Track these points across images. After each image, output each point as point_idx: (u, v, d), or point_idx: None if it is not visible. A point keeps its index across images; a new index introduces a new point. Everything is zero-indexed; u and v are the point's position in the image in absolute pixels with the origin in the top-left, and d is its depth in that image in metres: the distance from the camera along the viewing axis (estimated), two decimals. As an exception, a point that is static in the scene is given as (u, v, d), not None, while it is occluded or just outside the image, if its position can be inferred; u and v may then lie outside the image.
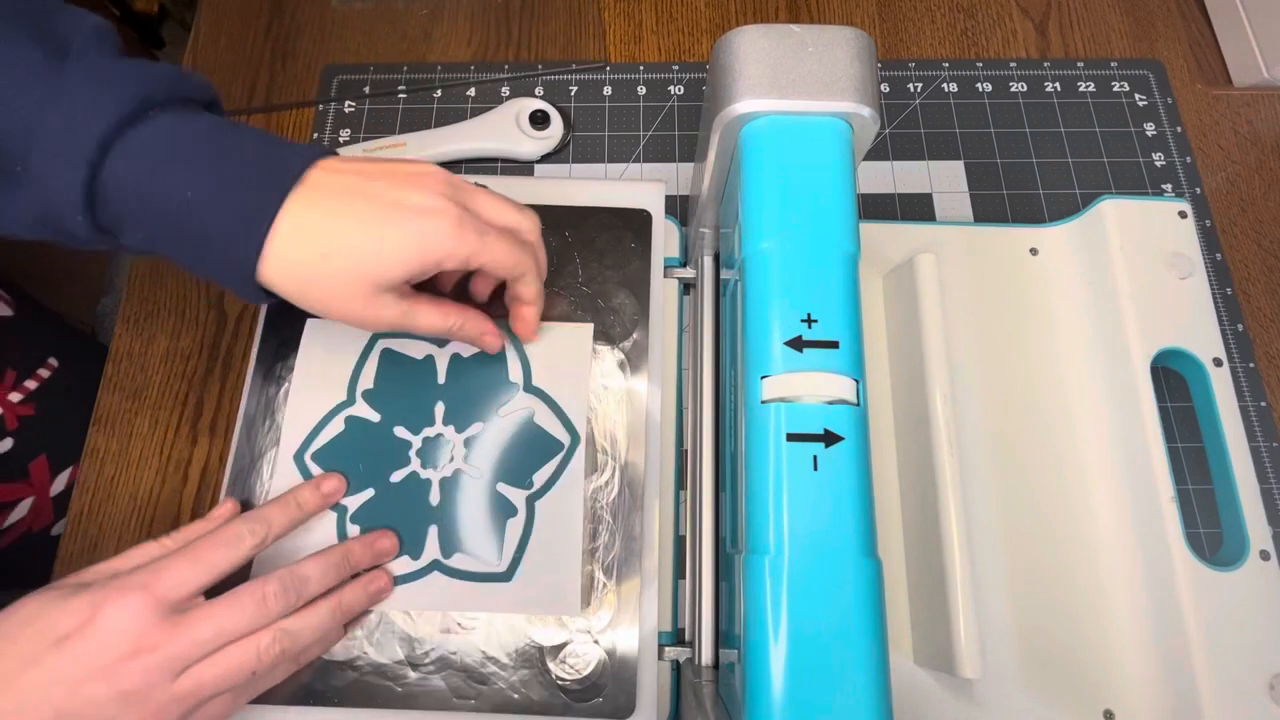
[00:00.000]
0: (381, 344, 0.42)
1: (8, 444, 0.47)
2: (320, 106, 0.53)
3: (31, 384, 0.49)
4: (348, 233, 0.31)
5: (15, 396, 0.48)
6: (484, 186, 0.36)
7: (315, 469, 0.39)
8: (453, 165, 0.51)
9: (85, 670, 0.28)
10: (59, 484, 0.49)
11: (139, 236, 0.31)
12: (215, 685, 0.30)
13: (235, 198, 0.30)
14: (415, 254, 0.32)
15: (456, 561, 0.38)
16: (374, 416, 0.40)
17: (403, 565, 0.38)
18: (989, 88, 0.53)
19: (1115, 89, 0.53)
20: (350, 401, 0.41)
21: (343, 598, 0.35)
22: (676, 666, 0.39)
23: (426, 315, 0.35)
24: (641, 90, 0.54)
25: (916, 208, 0.50)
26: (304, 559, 0.34)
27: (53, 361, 0.51)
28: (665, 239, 0.45)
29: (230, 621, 0.30)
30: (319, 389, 0.40)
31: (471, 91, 0.54)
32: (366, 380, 0.41)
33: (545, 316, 0.42)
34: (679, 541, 0.41)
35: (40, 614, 0.29)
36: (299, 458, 0.39)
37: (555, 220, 0.44)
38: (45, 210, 0.30)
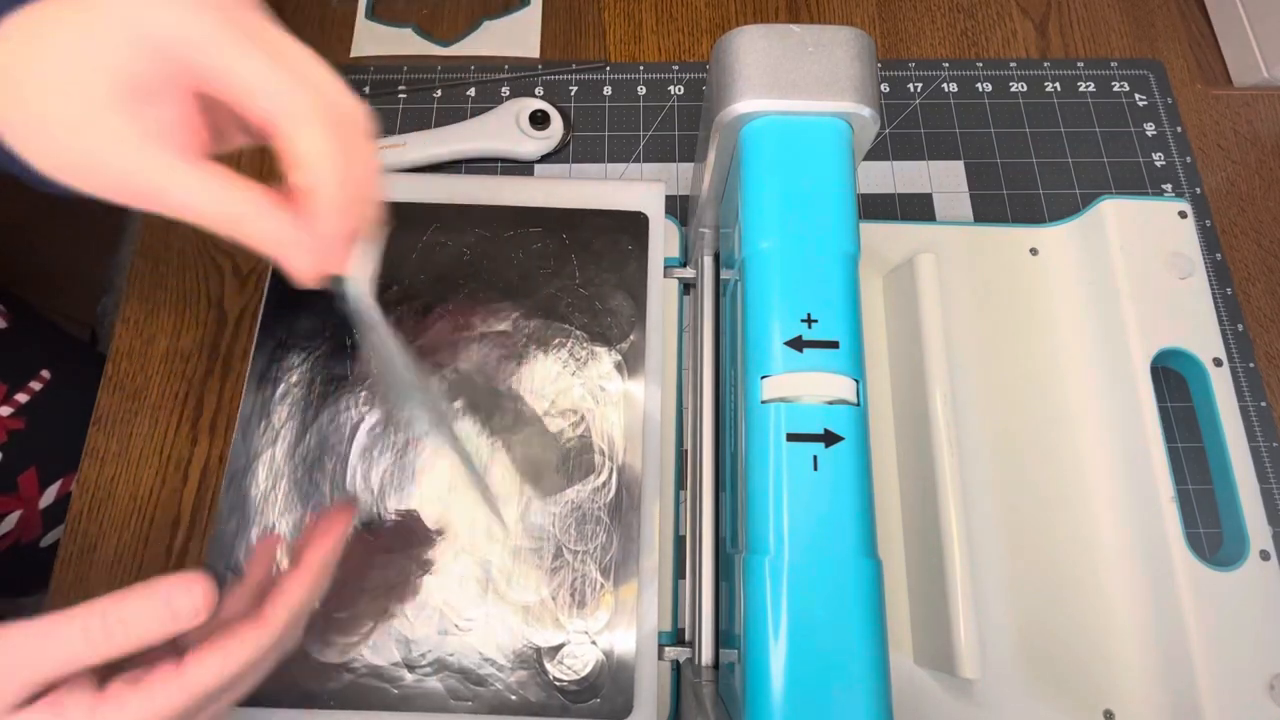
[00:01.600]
0: None
1: None
2: (320, 106, 0.53)
3: (22, 397, 0.48)
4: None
5: (5, 410, 0.48)
6: None
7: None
8: (453, 165, 0.51)
9: None
10: (49, 496, 0.49)
11: None
12: None
13: None
14: (173, 21, 0.22)
15: None
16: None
17: None
18: (989, 88, 0.53)
19: (1115, 89, 0.53)
20: None
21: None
22: (676, 666, 0.39)
23: (197, 179, 0.23)
24: (641, 90, 0.54)
25: (916, 208, 0.50)
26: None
27: (45, 374, 0.50)
28: (665, 239, 0.45)
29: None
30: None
31: (471, 91, 0.54)
32: None
33: (543, 317, 0.42)
34: (679, 541, 0.41)
35: None
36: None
37: (553, 223, 0.45)
38: None
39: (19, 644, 0.23)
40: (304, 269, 0.25)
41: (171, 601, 0.24)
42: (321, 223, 0.24)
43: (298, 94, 0.23)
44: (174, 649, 0.25)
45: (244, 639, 0.26)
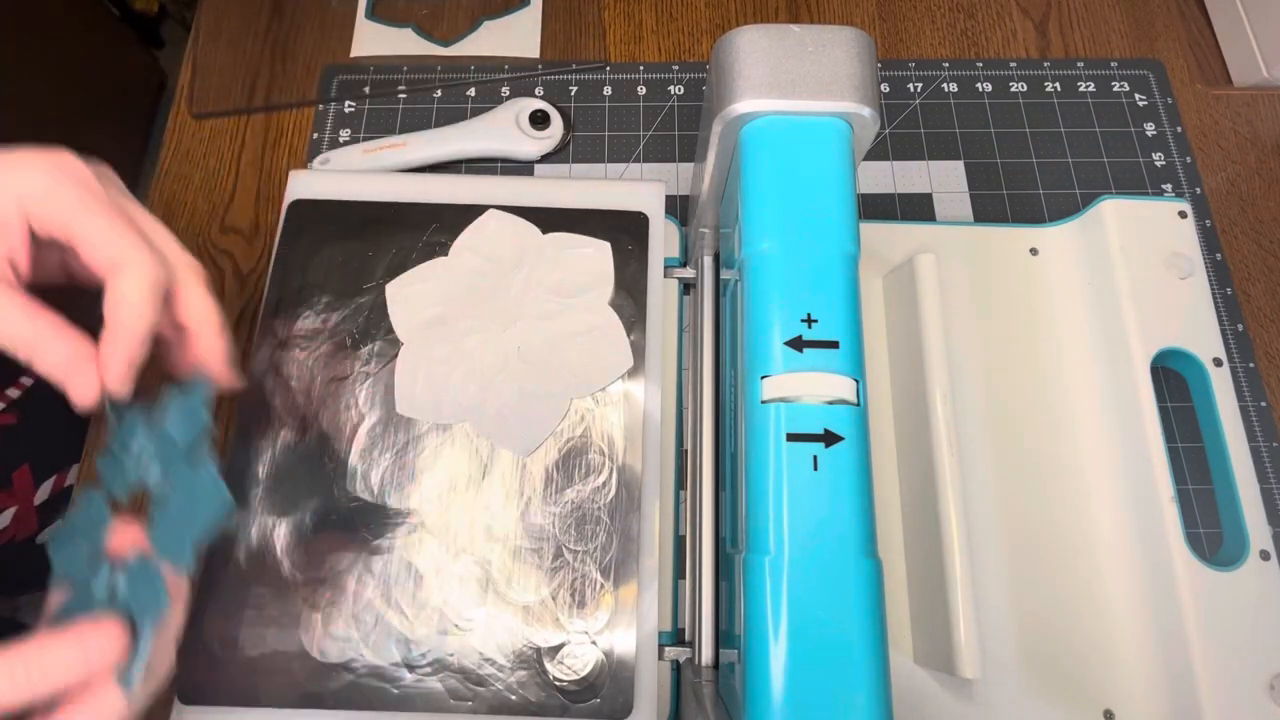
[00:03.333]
0: None
1: None
2: (320, 106, 0.53)
3: (14, 392, 0.48)
4: None
5: None
6: None
7: None
8: (453, 165, 0.51)
9: None
10: (43, 492, 0.49)
11: None
12: None
13: None
14: (40, 182, 0.26)
15: None
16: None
17: None
18: (989, 88, 0.53)
19: (1115, 89, 0.53)
20: None
21: None
22: (676, 666, 0.39)
23: (6, 309, 0.26)
24: (641, 90, 0.54)
25: (916, 208, 0.50)
26: None
27: None
28: (665, 239, 0.45)
29: None
30: None
31: (471, 91, 0.54)
32: None
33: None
34: (679, 541, 0.41)
35: None
36: None
37: (552, 222, 0.44)
38: None
39: None
40: (86, 396, 0.27)
41: (87, 647, 0.25)
42: (116, 347, 0.28)
43: (128, 248, 0.27)
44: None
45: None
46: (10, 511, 0.47)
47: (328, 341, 0.42)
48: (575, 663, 0.37)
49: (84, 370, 0.27)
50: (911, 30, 0.56)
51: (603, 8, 0.57)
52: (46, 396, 0.50)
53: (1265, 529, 0.38)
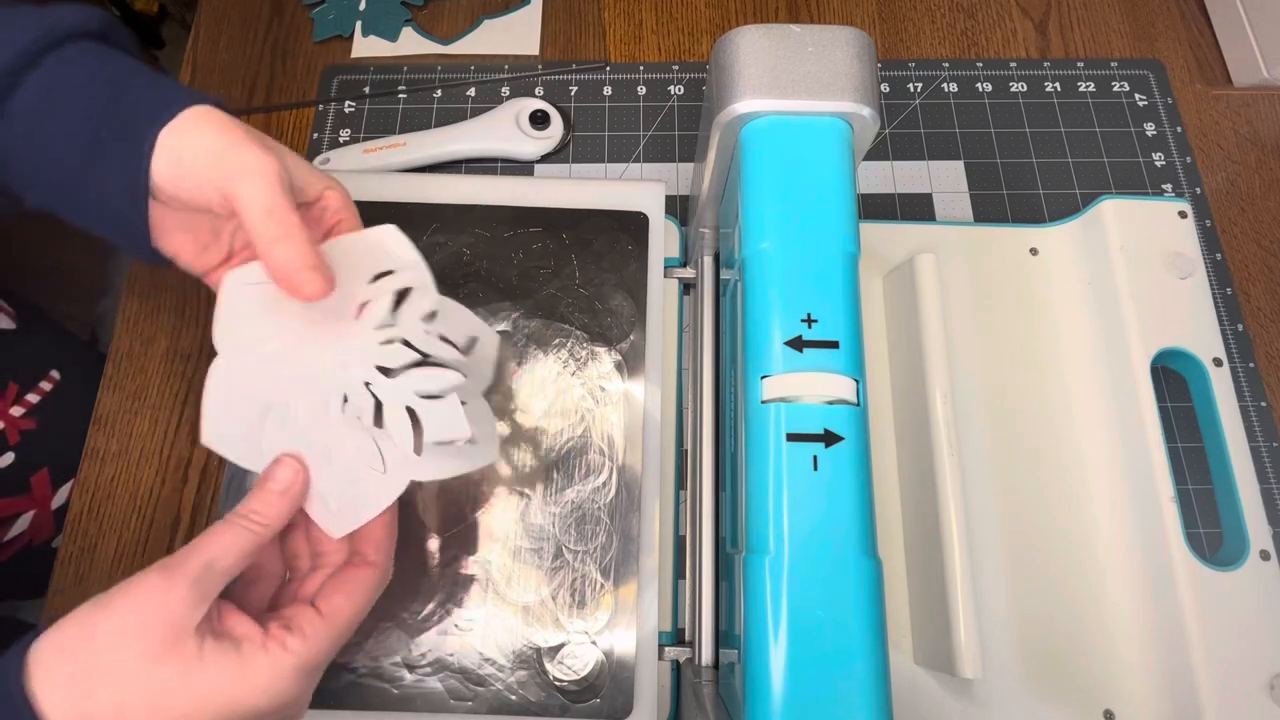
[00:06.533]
0: None
1: (9, 458, 0.47)
2: (320, 106, 0.53)
3: (33, 398, 0.49)
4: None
5: (17, 410, 0.48)
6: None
7: None
8: (453, 165, 0.51)
9: None
10: (60, 497, 0.49)
11: (37, 198, 0.31)
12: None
13: (113, 157, 0.29)
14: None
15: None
16: None
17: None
18: (989, 88, 0.53)
19: (1115, 89, 0.53)
20: None
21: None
22: (676, 666, 0.39)
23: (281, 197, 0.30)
24: (641, 90, 0.54)
25: (916, 208, 0.50)
26: None
27: (54, 374, 0.50)
28: (665, 239, 0.45)
29: None
30: None
31: (471, 91, 0.54)
32: None
33: (543, 317, 0.42)
34: (679, 541, 0.41)
35: None
36: None
37: (552, 222, 0.44)
38: None
39: (203, 551, 0.27)
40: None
41: (273, 483, 0.29)
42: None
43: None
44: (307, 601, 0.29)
45: (360, 580, 0.30)
46: (29, 515, 0.47)
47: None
48: (575, 663, 0.37)
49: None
50: (911, 30, 0.56)
51: (603, 8, 0.57)
52: (65, 402, 0.50)
53: (1265, 529, 0.38)
